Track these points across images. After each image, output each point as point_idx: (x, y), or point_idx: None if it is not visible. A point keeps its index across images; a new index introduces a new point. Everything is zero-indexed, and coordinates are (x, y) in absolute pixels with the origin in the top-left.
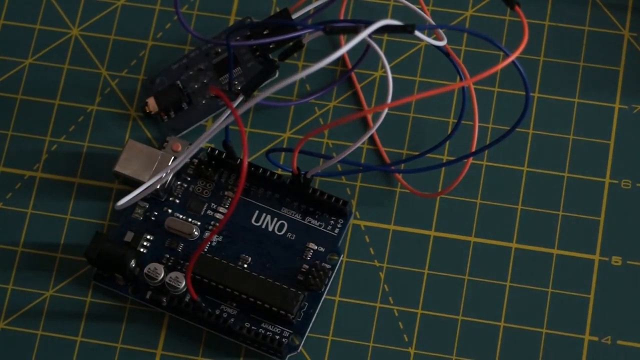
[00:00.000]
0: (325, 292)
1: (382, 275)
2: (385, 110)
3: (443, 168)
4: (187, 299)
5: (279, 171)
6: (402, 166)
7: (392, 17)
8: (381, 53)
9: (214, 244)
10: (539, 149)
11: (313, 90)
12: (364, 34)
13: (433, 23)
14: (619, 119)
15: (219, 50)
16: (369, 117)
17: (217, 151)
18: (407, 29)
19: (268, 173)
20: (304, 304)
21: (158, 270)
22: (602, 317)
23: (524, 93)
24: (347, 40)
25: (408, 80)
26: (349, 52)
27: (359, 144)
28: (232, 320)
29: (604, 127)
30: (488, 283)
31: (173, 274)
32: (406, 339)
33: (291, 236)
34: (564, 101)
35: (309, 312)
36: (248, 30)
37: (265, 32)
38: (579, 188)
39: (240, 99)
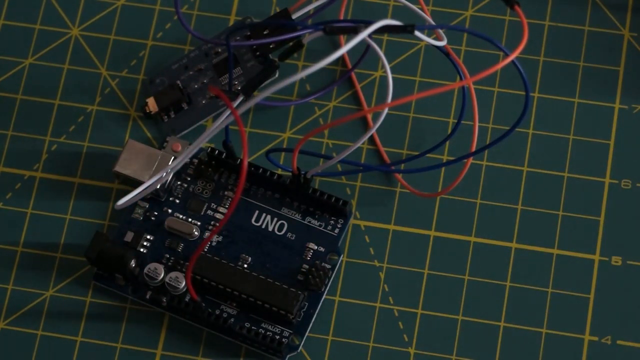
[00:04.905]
0: (325, 292)
1: (382, 275)
2: (385, 110)
3: (443, 168)
4: (187, 299)
5: (279, 171)
6: (402, 166)
7: (392, 17)
8: (381, 53)
9: (214, 244)
10: (539, 149)
11: (313, 90)
12: (364, 34)
13: (433, 23)
14: (619, 119)
15: (219, 50)
16: (369, 117)
17: (217, 151)
18: (407, 29)
19: (268, 173)
20: (304, 304)
21: (158, 270)
22: (602, 317)
23: (524, 93)
24: (347, 40)
25: (408, 80)
26: (349, 52)
27: (359, 144)
28: (232, 320)
29: (604, 127)
30: (488, 283)
31: (173, 274)
32: (406, 339)
33: (291, 236)
34: (564, 101)
35: (309, 312)
36: (248, 30)
37: (265, 32)
38: (579, 188)
39: (240, 99)
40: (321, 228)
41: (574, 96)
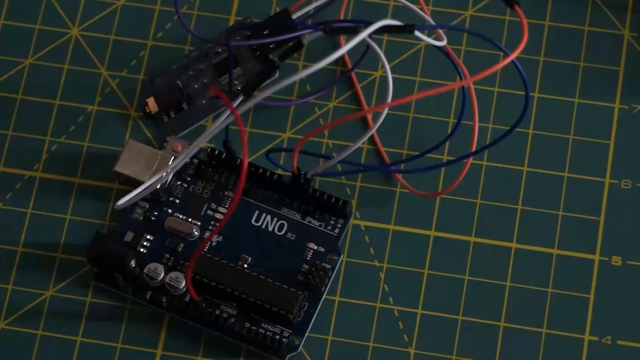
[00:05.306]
0: (325, 292)
1: (382, 275)
2: (385, 110)
3: (443, 168)
4: (187, 299)
5: (279, 171)
6: (402, 166)
7: (392, 17)
8: (381, 53)
9: (214, 244)
10: (539, 149)
11: (313, 90)
12: (364, 34)
13: (433, 23)
14: (619, 119)
15: (219, 50)
16: (369, 117)
17: (217, 151)
18: (407, 29)
19: (268, 173)
20: (304, 304)
21: (158, 270)
22: (602, 317)
23: (524, 93)
24: (347, 40)
25: (408, 80)
26: (349, 52)
27: (359, 144)
28: (232, 320)
29: (604, 127)
30: (488, 283)
31: (173, 274)
32: (406, 339)
33: (291, 236)
34: (564, 101)
35: (309, 312)
36: (248, 30)
37: (265, 32)
38: (579, 188)
39: (240, 99)
40: (321, 228)
41: (574, 96)
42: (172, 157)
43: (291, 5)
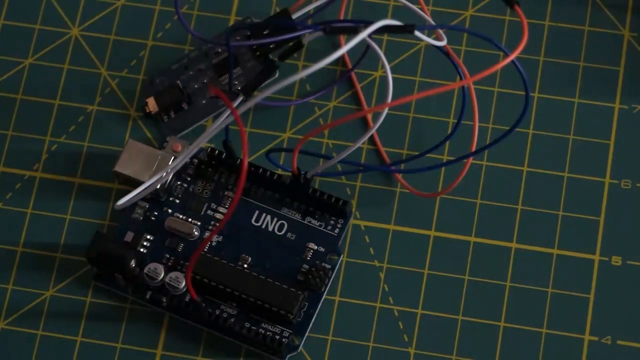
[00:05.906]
0: (325, 292)
1: (382, 275)
2: (385, 110)
3: (443, 168)
4: (187, 299)
5: (279, 171)
6: (402, 166)
7: (392, 17)
8: (381, 53)
9: (214, 244)
10: (539, 149)
11: (313, 90)
12: (364, 34)
13: (433, 23)
14: (619, 119)
15: (219, 50)
16: (369, 117)
17: (217, 151)
18: (407, 29)
19: (268, 173)
20: (304, 304)
21: (158, 270)
22: (602, 317)
23: (524, 93)
24: (347, 40)
25: (408, 80)
26: (349, 52)
27: (359, 144)
28: (232, 320)
29: (604, 127)
30: (488, 283)
31: (173, 274)
32: (406, 339)
33: (291, 236)
34: (564, 101)
35: (309, 312)
36: (248, 30)
37: (265, 32)
38: (579, 188)
39: (240, 99)
40: (321, 228)
41: (574, 96)
42: (172, 157)
43: (291, 5)
